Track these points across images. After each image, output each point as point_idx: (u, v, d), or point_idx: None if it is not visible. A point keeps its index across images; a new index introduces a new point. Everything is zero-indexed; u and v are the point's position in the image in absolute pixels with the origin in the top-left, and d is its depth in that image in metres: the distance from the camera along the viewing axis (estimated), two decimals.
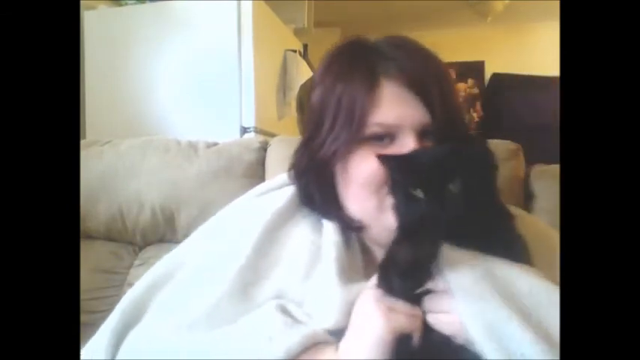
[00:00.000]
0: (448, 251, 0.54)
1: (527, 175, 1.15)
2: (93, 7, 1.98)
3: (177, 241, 1.12)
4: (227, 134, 1.75)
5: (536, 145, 1.38)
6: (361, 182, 0.64)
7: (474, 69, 4.46)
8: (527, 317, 0.50)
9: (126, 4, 2.00)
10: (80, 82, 1.93)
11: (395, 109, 0.62)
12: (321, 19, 3.19)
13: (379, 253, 0.64)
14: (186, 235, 1.10)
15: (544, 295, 0.51)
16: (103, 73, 1.92)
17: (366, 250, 0.69)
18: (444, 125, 0.62)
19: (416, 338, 0.53)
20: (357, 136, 0.63)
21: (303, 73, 2.24)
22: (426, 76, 0.63)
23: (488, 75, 4.40)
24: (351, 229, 0.67)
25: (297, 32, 2.54)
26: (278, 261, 0.65)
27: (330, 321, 0.57)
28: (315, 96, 0.69)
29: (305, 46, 2.65)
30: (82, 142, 1.25)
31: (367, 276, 0.59)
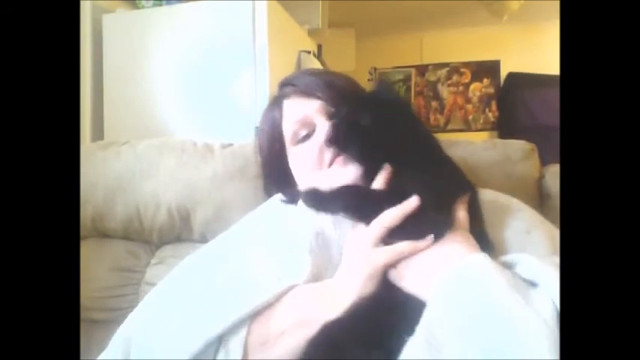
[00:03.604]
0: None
1: (542, 175, 1.14)
2: (111, 11, 2.01)
3: (193, 240, 1.14)
4: (242, 135, 1.77)
5: (552, 145, 1.37)
6: (303, 171, 0.81)
7: (489, 68, 4.43)
8: None
9: (143, 7, 2.02)
10: (100, 84, 1.95)
11: (298, 109, 0.81)
12: (335, 20, 3.19)
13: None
14: (201, 234, 1.12)
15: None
16: (121, 74, 1.95)
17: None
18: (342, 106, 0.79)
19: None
20: (282, 142, 0.83)
21: None
22: (315, 84, 0.82)
23: (503, 74, 4.37)
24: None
25: (312, 33, 2.54)
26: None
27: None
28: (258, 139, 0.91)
29: (319, 47, 2.66)
30: (101, 143, 1.27)
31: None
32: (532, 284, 0.56)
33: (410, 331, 0.55)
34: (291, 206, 0.84)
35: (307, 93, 0.82)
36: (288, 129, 0.82)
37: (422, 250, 0.62)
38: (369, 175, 0.70)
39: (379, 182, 0.68)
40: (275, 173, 0.88)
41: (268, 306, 0.63)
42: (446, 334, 0.53)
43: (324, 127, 0.77)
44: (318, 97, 0.81)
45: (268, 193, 0.93)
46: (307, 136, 0.80)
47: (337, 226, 0.73)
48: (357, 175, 0.72)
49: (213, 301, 0.66)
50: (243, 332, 0.61)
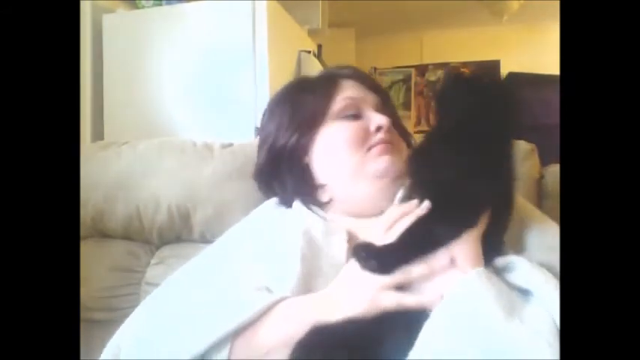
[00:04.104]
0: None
1: (542, 175, 1.14)
2: (111, 11, 2.01)
3: (193, 240, 1.14)
4: (242, 135, 1.77)
5: (552, 145, 1.37)
6: (341, 146, 0.79)
7: (489, 68, 4.42)
8: None
9: (143, 7, 2.02)
10: (100, 84, 1.96)
11: (356, 90, 0.84)
12: (335, 20, 3.20)
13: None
14: (201, 234, 1.12)
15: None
16: (121, 75, 1.95)
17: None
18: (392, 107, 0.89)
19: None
20: (325, 113, 0.81)
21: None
22: (371, 80, 0.90)
23: (503, 74, 4.36)
24: (320, 205, 0.82)
25: (312, 33, 2.54)
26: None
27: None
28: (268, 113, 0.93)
29: (319, 47, 2.66)
30: (101, 143, 1.27)
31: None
32: (528, 293, 0.56)
33: (402, 341, 0.54)
34: (286, 210, 0.83)
35: (366, 85, 0.86)
36: (337, 103, 0.82)
37: (426, 305, 0.59)
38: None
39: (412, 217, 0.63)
40: (289, 162, 0.84)
41: (256, 319, 0.62)
42: (439, 353, 0.52)
43: (375, 117, 0.80)
44: (375, 92, 0.85)
45: (266, 191, 0.92)
46: (351, 117, 0.81)
47: (326, 236, 0.72)
48: (388, 165, 0.76)
49: (199, 316, 0.65)
50: (225, 351, 0.60)
